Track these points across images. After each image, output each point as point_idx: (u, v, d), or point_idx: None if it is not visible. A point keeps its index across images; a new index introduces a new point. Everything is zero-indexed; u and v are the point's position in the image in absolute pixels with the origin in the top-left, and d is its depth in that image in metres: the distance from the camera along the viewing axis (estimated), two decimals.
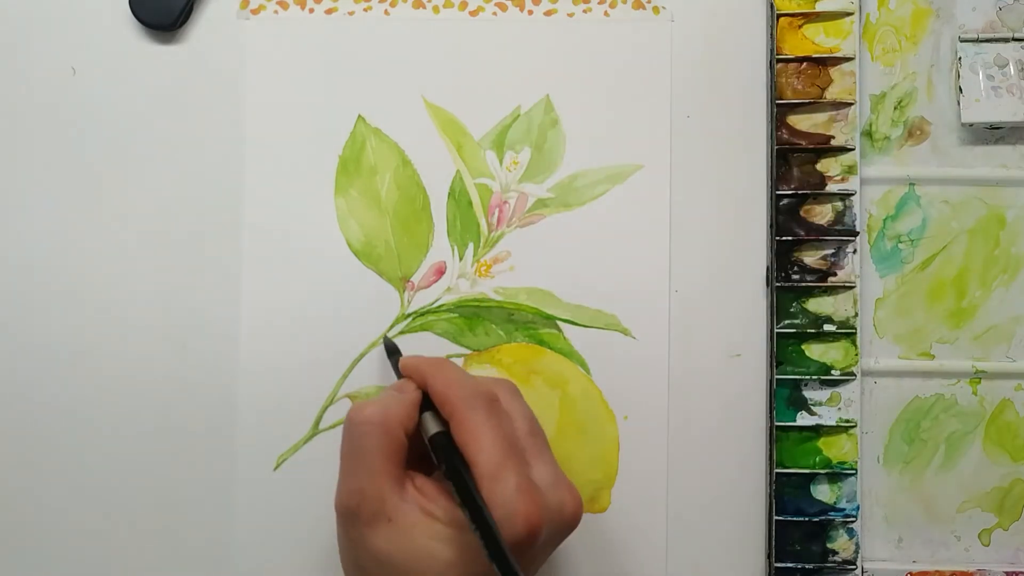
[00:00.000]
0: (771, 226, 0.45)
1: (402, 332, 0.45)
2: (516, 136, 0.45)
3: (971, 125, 0.45)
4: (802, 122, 0.46)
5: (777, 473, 0.44)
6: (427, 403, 0.38)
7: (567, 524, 0.36)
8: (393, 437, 0.36)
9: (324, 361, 0.45)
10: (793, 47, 0.46)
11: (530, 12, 0.46)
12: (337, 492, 0.37)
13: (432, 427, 0.37)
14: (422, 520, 0.35)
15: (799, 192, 0.45)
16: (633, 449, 0.44)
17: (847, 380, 0.45)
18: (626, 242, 0.45)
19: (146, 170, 0.45)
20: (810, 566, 0.44)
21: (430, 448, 0.37)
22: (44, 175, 0.45)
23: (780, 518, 0.44)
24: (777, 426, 0.44)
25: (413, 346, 0.45)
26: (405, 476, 0.36)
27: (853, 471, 0.44)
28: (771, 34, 0.45)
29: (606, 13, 0.46)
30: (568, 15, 0.46)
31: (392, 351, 0.43)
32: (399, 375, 0.40)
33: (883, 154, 0.46)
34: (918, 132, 0.46)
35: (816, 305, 0.45)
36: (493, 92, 0.45)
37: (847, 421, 0.45)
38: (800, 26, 0.46)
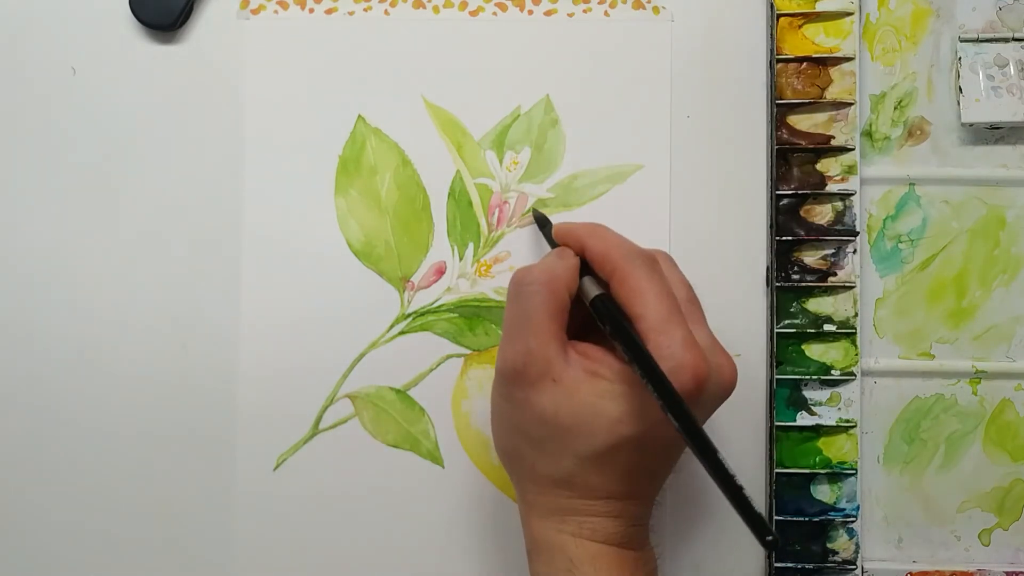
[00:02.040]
0: (771, 226, 0.45)
1: (402, 332, 0.45)
2: (516, 136, 0.45)
3: (971, 125, 0.45)
4: (802, 122, 0.46)
5: (777, 473, 0.44)
6: (584, 269, 0.38)
7: (724, 389, 0.36)
8: (558, 298, 0.37)
9: (324, 361, 0.45)
10: (793, 47, 0.46)
11: (530, 12, 0.46)
12: (500, 355, 0.37)
13: (592, 290, 0.37)
14: (587, 380, 0.36)
15: (799, 192, 0.45)
16: None
17: (847, 380, 0.45)
18: None
19: (146, 170, 0.45)
20: (810, 566, 0.44)
21: (592, 310, 0.37)
22: (44, 175, 0.45)
23: (780, 518, 0.44)
24: (777, 426, 0.44)
25: (413, 346, 0.45)
26: (566, 340, 0.37)
27: (853, 471, 0.44)
28: (771, 34, 0.45)
29: (606, 13, 0.46)
30: (568, 15, 0.46)
31: (543, 222, 0.43)
32: (552, 244, 0.41)
33: (883, 154, 0.46)
34: (918, 132, 0.46)
35: (816, 305, 0.45)
36: (493, 92, 0.45)
37: (847, 421, 0.45)
38: (800, 26, 0.46)
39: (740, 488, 0.32)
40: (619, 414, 0.35)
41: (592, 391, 0.35)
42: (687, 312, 0.37)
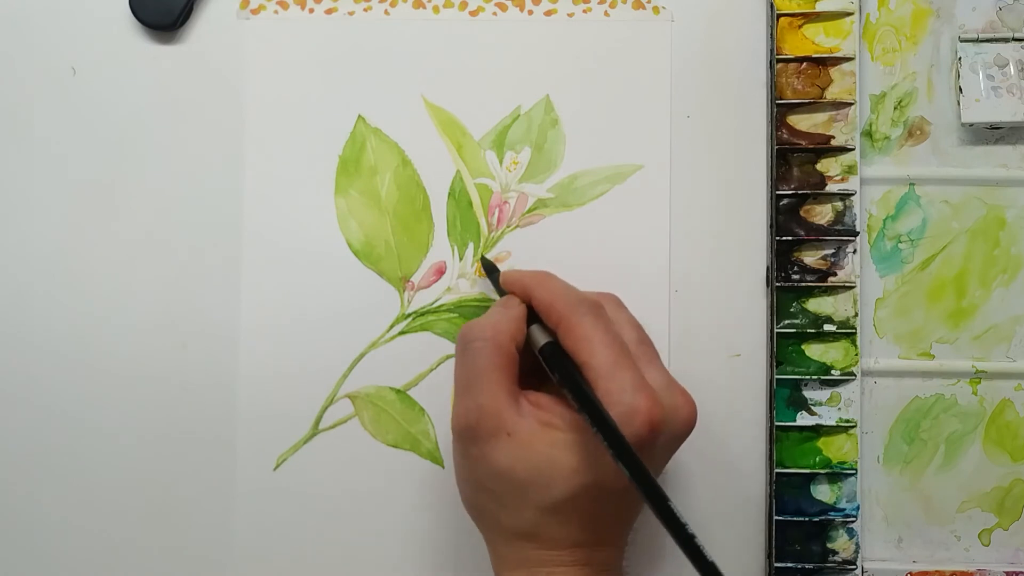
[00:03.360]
0: (771, 226, 0.45)
1: (402, 332, 0.45)
2: (516, 136, 0.45)
3: (971, 125, 0.45)
4: (802, 122, 0.46)
5: (777, 473, 0.44)
6: (532, 317, 0.38)
7: (683, 427, 0.36)
8: (505, 352, 0.37)
9: (324, 361, 0.45)
10: (793, 47, 0.46)
11: (530, 12, 0.46)
12: (454, 413, 0.37)
13: (540, 339, 0.37)
14: (541, 431, 0.35)
15: (799, 192, 0.45)
16: None
17: (847, 380, 0.45)
18: (626, 242, 0.45)
19: (146, 170, 0.45)
20: (810, 566, 0.44)
21: (541, 359, 0.37)
22: (44, 175, 0.45)
23: (780, 518, 0.44)
24: (777, 426, 0.44)
25: (413, 346, 0.45)
26: (518, 392, 0.37)
27: (853, 471, 0.44)
28: (771, 34, 0.45)
29: (606, 13, 0.46)
30: (568, 15, 0.46)
31: (491, 270, 0.43)
32: (500, 292, 0.41)
33: (883, 154, 0.46)
34: (918, 132, 0.46)
35: (816, 305, 0.45)
36: (493, 92, 0.45)
37: (847, 421, 0.45)
38: (800, 26, 0.46)
39: (692, 537, 0.32)
40: (574, 464, 0.35)
41: (546, 442, 0.35)
42: (638, 354, 0.37)
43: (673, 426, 0.36)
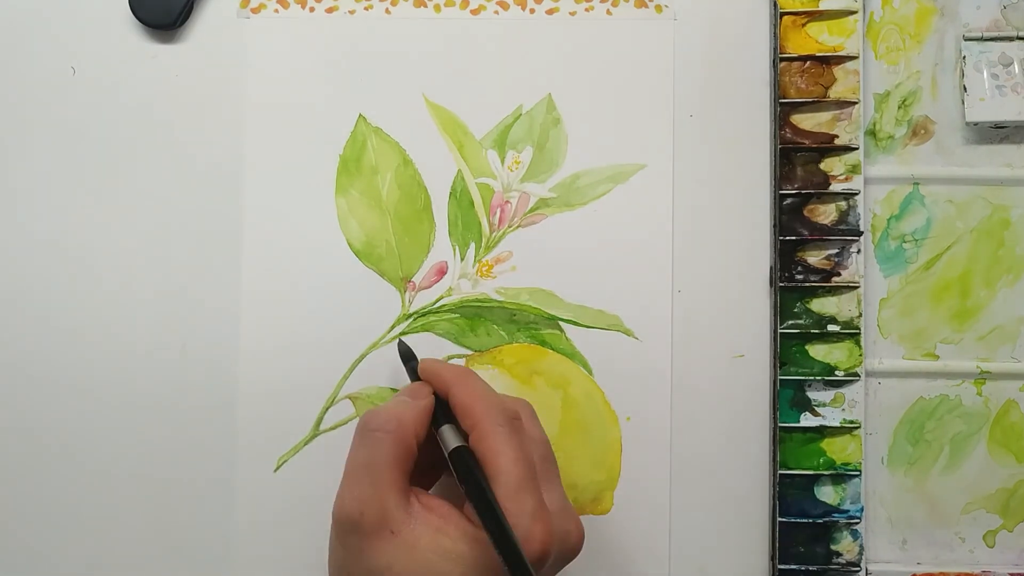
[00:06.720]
0: (774, 226, 0.45)
1: (403, 333, 0.45)
2: (518, 135, 0.45)
3: (976, 124, 0.45)
4: (806, 121, 0.45)
5: (781, 474, 0.44)
6: (441, 413, 0.37)
7: (569, 553, 0.36)
8: (405, 447, 0.35)
9: (324, 362, 0.44)
10: (797, 46, 0.45)
11: (532, 11, 0.46)
12: (339, 499, 0.36)
13: (452, 441, 0.36)
14: (430, 536, 0.34)
15: (803, 192, 0.45)
16: (636, 450, 0.44)
17: (851, 381, 0.45)
18: (629, 242, 0.45)
19: (146, 170, 0.45)
20: (814, 568, 0.44)
21: (450, 462, 0.36)
22: (44, 175, 0.45)
23: (784, 520, 0.44)
24: (781, 427, 0.44)
25: (414, 346, 0.44)
26: (409, 490, 0.35)
27: (857, 472, 0.44)
28: (774, 33, 0.45)
29: (608, 12, 0.45)
30: (570, 13, 0.45)
31: (408, 357, 0.42)
32: (413, 378, 0.40)
33: (887, 153, 0.46)
34: (922, 131, 0.46)
35: (820, 305, 0.45)
36: (495, 91, 0.45)
37: (851, 422, 0.44)
38: (804, 24, 0.45)
39: None
40: None
41: (432, 548, 0.34)
42: (541, 472, 0.36)
43: (561, 551, 0.35)
